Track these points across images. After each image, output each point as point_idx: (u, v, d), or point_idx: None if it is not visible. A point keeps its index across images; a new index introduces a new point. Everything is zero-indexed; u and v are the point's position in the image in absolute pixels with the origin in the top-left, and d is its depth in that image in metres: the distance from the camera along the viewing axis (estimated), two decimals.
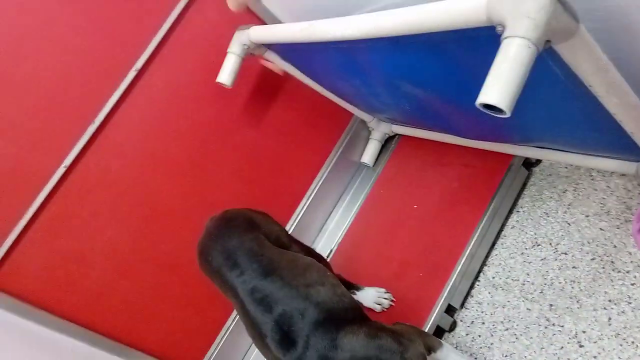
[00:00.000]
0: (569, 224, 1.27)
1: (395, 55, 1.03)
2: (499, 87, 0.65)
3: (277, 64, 1.51)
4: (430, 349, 1.07)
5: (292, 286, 1.02)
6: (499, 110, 0.67)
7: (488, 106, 0.68)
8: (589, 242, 1.20)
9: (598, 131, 0.98)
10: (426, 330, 1.32)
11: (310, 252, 1.36)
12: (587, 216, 1.25)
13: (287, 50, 1.40)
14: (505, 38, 0.67)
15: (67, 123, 1.40)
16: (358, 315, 1.05)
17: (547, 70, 0.79)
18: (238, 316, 1.13)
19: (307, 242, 1.44)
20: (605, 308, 1.09)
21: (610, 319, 1.07)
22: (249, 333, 1.07)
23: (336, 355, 0.93)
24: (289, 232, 1.43)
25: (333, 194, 1.89)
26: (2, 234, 1.34)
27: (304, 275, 1.06)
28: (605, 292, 1.11)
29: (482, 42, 0.78)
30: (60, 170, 1.39)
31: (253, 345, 1.75)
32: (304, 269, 1.09)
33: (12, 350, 1.20)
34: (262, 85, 1.67)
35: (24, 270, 1.38)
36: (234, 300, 1.09)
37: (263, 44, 1.41)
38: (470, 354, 1.27)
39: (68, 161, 1.40)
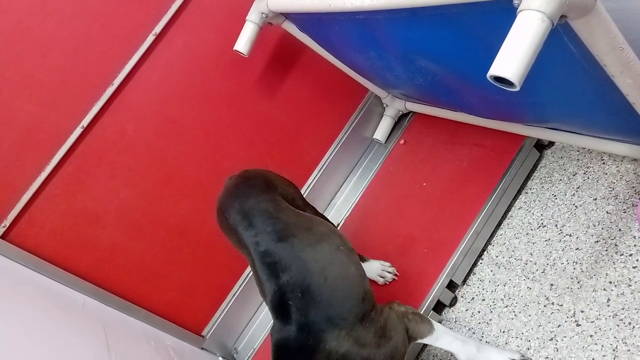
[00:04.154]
0: (576, 206, 1.28)
1: (412, 28, 1.03)
2: (510, 60, 0.66)
3: (294, 35, 1.52)
4: (418, 337, 1.09)
5: (301, 259, 1.02)
6: (510, 84, 0.68)
7: (499, 79, 0.68)
8: (594, 225, 1.21)
9: (611, 112, 0.98)
10: (426, 305, 1.35)
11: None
12: (594, 199, 1.25)
13: (305, 20, 1.40)
14: (521, 11, 0.67)
15: (86, 84, 1.42)
16: (359, 310, 1.03)
17: (562, 46, 0.79)
18: (251, 272, 1.17)
19: None
20: (604, 289, 1.10)
21: (609, 300, 1.08)
22: (257, 286, 1.11)
23: (319, 349, 0.95)
24: None
25: (344, 169, 1.91)
26: (19, 190, 1.38)
27: (315, 247, 1.05)
28: (607, 274, 1.12)
29: (499, 16, 0.78)
30: (78, 131, 1.43)
31: (257, 312, 1.79)
32: (319, 238, 1.08)
33: (26, 302, 1.25)
34: (278, 56, 1.68)
35: (40, 227, 1.43)
36: (248, 258, 1.13)
37: (281, 13, 1.41)
38: (469, 329, 1.30)
39: (86, 122, 1.43)
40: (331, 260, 1.05)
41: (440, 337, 1.11)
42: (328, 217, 1.84)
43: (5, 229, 1.37)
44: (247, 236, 1.10)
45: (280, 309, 1.00)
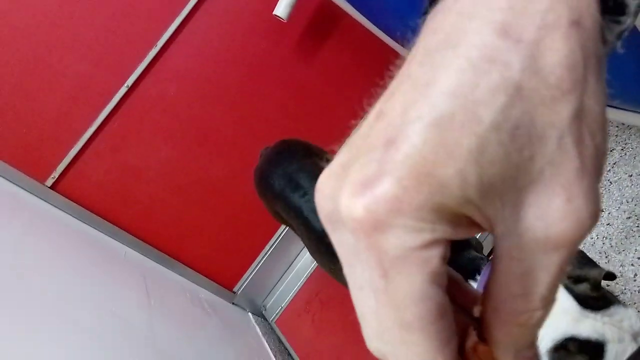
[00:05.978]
0: (610, 182, 1.27)
1: None
2: None
3: (334, 0, 1.52)
4: None
5: None
6: None
7: None
8: (627, 201, 1.20)
9: None
10: None
11: None
12: (630, 176, 1.24)
13: None
14: None
15: (131, 45, 1.48)
16: None
17: None
18: (300, 238, 1.18)
19: None
20: (632, 265, 1.10)
21: (636, 275, 1.08)
22: (312, 250, 1.12)
23: None
24: None
25: None
26: (68, 144, 1.47)
27: None
28: (636, 250, 1.12)
29: None
30: (123, 90, 1.49)
31: (287, 271, 1.85)
32: None
33: (73, 249, 1.34)
34: (317, 23, 1.69)
35: (86, 180, 1.51)
36: (297, 221, 1.12)
37: None
38: None
39: (130, 81, 1.49)
40: None
41: None
42: None
43: (54, 180, 1.46)
44: (295, 197, 1.12)
45: None
